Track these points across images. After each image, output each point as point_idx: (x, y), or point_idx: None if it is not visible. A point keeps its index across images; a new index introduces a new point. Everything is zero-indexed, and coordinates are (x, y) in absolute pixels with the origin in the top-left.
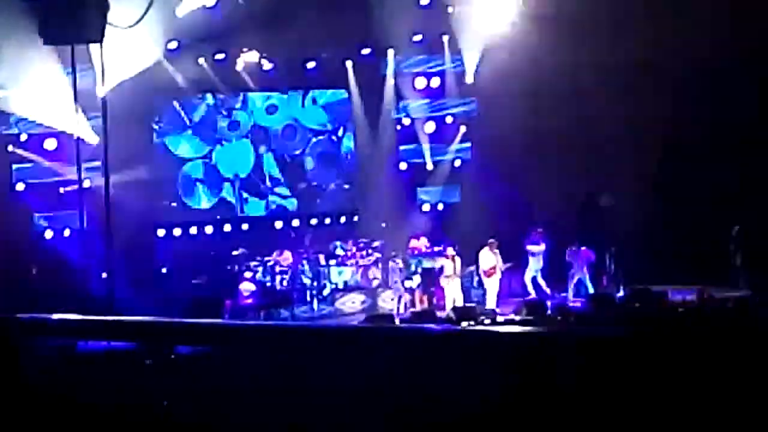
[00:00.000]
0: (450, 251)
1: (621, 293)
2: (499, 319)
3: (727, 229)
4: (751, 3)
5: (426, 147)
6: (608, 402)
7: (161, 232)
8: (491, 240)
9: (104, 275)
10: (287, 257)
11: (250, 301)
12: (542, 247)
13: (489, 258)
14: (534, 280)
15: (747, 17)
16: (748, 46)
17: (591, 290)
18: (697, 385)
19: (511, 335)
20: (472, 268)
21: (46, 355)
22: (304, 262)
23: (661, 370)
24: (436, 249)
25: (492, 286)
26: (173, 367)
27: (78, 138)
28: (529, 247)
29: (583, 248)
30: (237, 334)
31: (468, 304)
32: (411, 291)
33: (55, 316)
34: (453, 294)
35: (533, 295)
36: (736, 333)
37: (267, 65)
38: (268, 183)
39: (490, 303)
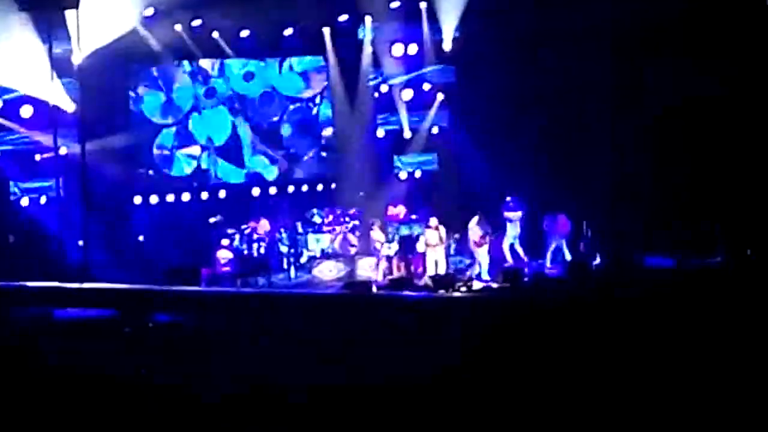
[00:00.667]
0: (433, 221)
1: (597, 260)
2: (476, 286)
3: (705, 198)
4: None
5: (403, 114)
6: (570, 367)
7: (138, 200)
8: (479, 212)
9: (81, 243)
10: (264, 225)
11: (227, 269)
12: (519, 213)
13: (477, 229)
14: (512, 247)
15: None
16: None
17: (568, 257)
18: (663, 349)
19: (474, 301)
20: (457, 236)
21: (23, 323)
22: (282, 229)
23: (623, 335)
24: (413, 217)
25: (484, 256)
26: (150, 334)
27: (54, 105)
28: (507, 214)
29: (560, 216)
30: (214, 301)
31: (446, 272)
32: (389, 258)
33: (32, 284)
34: (436, 261)
35: (510, 262)
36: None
37: (244, 32)
38: (247, 150)
39: (484, 274)
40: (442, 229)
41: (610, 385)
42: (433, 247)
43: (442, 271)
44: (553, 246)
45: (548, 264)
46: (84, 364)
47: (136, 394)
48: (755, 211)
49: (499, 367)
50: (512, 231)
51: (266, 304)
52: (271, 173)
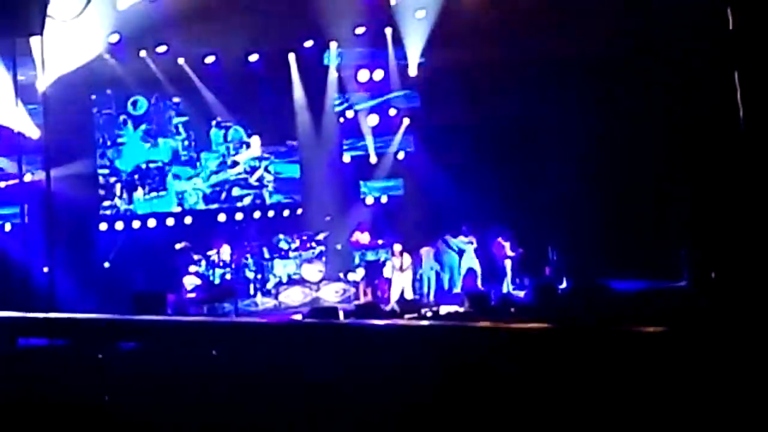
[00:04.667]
0: (397, 247)
1: (564, 284)
2: (442, 311)
3: (670, 222)
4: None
5: (369, 140)
6: (537, 397)
7: (103, 226)
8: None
9: (46, 270)
10: (226, 250)
11: (193, 295)
12: (472, 240)
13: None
14: (471, 272)
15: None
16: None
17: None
18: (627, 377)
19: (443, 329)
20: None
21: None
22: (248, 255)
23: (583, 364)
24: (379, 242)
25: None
26: (115, 363)
27: (18, 132)
28: (459, 240)
29: (507, 242)
30: (178, 330)
31: (413, 298)
32: (355, 284)
33: None
34: (400, 288)
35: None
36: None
37: (210, 58)
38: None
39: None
40: (406, 256)
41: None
42: (399, 273)
43: (408, 297)
44: (508, 270)
45: (510, 288)
46: (47, 392)
47: (100, 423)
48: (719, 235)
49: (460, 397)
50: (466, 259)
51: (230, 333)
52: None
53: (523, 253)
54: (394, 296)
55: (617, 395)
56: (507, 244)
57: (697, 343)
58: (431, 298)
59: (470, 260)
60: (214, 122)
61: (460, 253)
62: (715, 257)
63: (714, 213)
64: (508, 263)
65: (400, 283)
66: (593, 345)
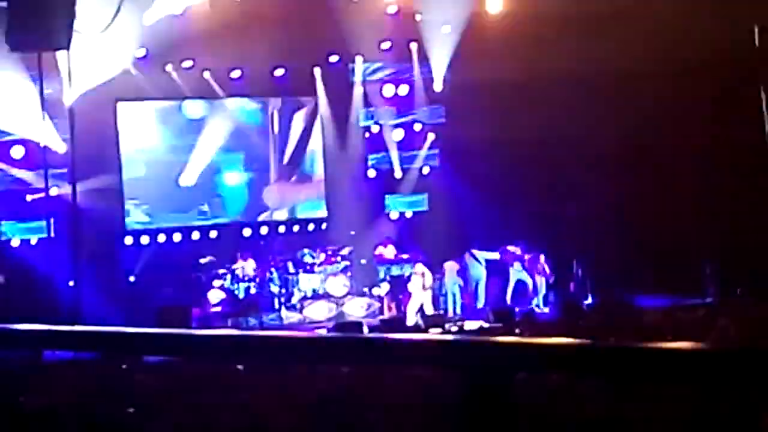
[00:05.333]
0: (419, 267)
1: (589, 300)
2: (467, 326)
3: (695, 238)
4: (728, 13)
5: (394, 154)
6: (562, 413)
7: (129, 240)
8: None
9: (71, 284)
10: (250, 264)
11: (218, 309)
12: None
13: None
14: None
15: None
16: (718, 56)
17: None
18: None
19: (468, 344)
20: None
21: (11, 365)
22: (273, 269)
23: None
24: (404, 257)
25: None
26: (140, 375)
27: (45, 146)
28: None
29: (537, 257)
30: (203, 343)
31: (436, 312)
32: (380, 299)
33: (21, 327)
34: (420, 303)
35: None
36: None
37: (235, 73)
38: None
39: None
40: (428, 275)
41: None
42: (420, 290)
43: (429, 312)
44: (540, 287)
45: (541, 305)
46: (72, 404)
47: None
48: (745, 250)
49: (485, 414)
50: (514, 273)
51: (255, 347)
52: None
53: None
54: (411, 312)
55: (642, 412)
56: (544, 263)
57: (723, 361)
58: (457, 312)
59: (519, 273)
60: None
61: (488, 266)
62: (741, 273)
63: (739, 228)
64: (542, 280)
65: (420, 299)
66: (618, 362)
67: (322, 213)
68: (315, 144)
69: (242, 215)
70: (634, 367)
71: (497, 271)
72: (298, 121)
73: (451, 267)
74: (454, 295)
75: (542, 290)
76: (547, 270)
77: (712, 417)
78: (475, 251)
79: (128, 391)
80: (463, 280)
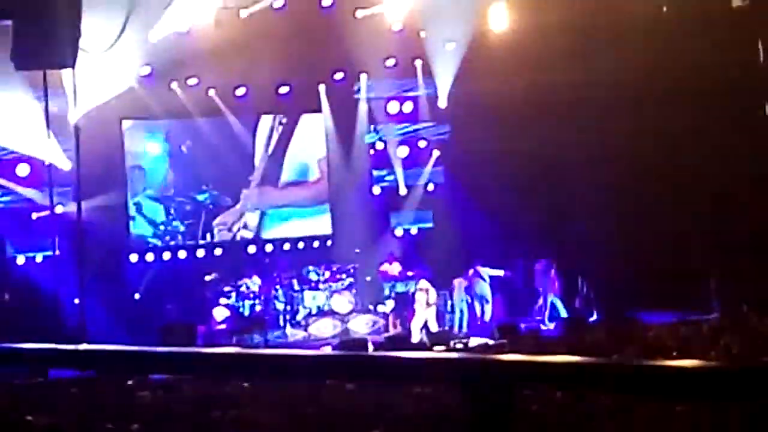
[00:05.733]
0: (423, 284)
1: (594, 317)
2: (472, 343)
3: (702, 254)
4: (733, 29)
5: (399, 171)
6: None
7: (134, 258)
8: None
9: (77, 301)
10: (255, 282)
11: (223, 326)
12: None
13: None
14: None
15: (728, 45)
16: (721, 75)
17: (564, 314)
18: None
19: (471, 361)
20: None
21: (18, 383)
22: (278, 286)
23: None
24: (409, 274)
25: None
26: (143, 393)
27: (50, 164)
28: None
29: (552, 271)
30: (208, 361)
31: (441, 329)
32: (385, 316)
33: (26, 346)
34: (424, 320)
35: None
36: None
37: (240, 90)
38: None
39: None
40: (432, 291)
41: None
42: (424, 307)
43: (433, 329)
44: (548, 302)
45: (547, 321)
46: (77, 423)
47: None
48: (750, 266)
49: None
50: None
51: (260, 365)
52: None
53: (563, 284)
54: (416, 329)
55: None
56: (552, 274)
57: (729, 378)
58: (463, 329)
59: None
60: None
61: (491, 282)
62: (746, 289)
63: (745, 244)
64: (551, 296)
65: (424, 316)
66: (622, 379)
67: (323, 221)
68: (310, 152)
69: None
70: (639, 384)
71: (502, 288)
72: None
73: (459, 283)
74: (462, 312)
75: (557, 305)
76: (556, 285)
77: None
78: (480, 268)
79: (133, 409)
80: (470, 296)
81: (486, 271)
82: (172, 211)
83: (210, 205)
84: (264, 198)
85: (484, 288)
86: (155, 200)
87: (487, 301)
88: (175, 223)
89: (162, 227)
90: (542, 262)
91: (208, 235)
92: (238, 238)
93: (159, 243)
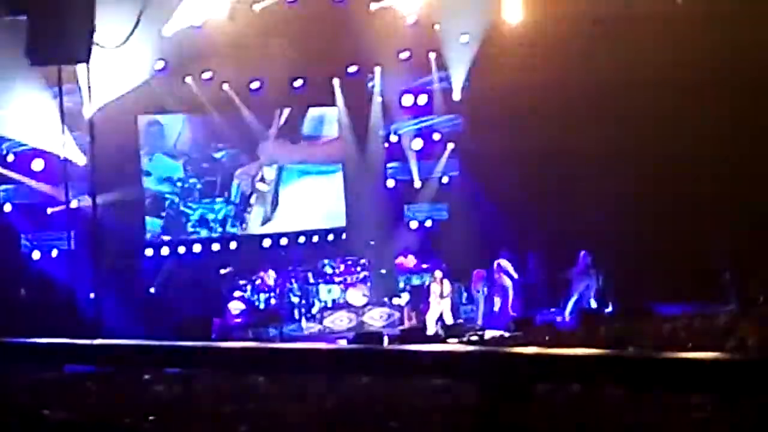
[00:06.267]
0: (438, 274)
1: (609, 308)
2: (487, 335)
3: (717, 246)
4: (747, 28)
5: (413, 164)
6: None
7: (149, 252)
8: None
9: (92, 296)
10: (271, 275)
11: (239, 320)
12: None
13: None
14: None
15: (742, 42)
16: (737, 69)
17: (594, 305)
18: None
19: (486, 354)
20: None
21: (34, 378)
22: (293, 280)
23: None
24: (424, 266)
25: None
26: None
27: (65, 159)
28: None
29: (584, 264)
30: (223, 355)
31: (456, 321)
32: (400, 308)
33: (42, 341)
34: (439, 313)
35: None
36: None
37: (254, 84)
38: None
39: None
40: (446, 283)
41: None
42: (439, 299)
43: (448, 321)
44: (575, 296)
45: (567, 314)
46: (93, 417)
47: None
48: (766, 257)
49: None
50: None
51: (275, 358)
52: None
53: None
54: (431, 322)
55: (661, 422)
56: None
57: (745, 371)
58: (479, 321)
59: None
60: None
61: (510, 277)
62: (763, 281)
63: (760, 235)
64: (582, 287)
65: (439, 308)
66: (638, 371)
67: (335, 181)
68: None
69: None
70: (655, 377)
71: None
72: None
73: (477, 275)
74: (479, 303)
75: (576, 299)
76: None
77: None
78: (502, 262)
79: (149, 402)
80: (487, 289)
81: (507, 265)
82: (188, 168)
83: (226, 162)
84: (281, 151)
85: (506, 282)
86: (171, 157)
87: (507, 295)
88: (192, 180)
89: (179, 184)
90: (580, 254)
91: (226, 192)
92: (255, 190)
93: (176, 199)
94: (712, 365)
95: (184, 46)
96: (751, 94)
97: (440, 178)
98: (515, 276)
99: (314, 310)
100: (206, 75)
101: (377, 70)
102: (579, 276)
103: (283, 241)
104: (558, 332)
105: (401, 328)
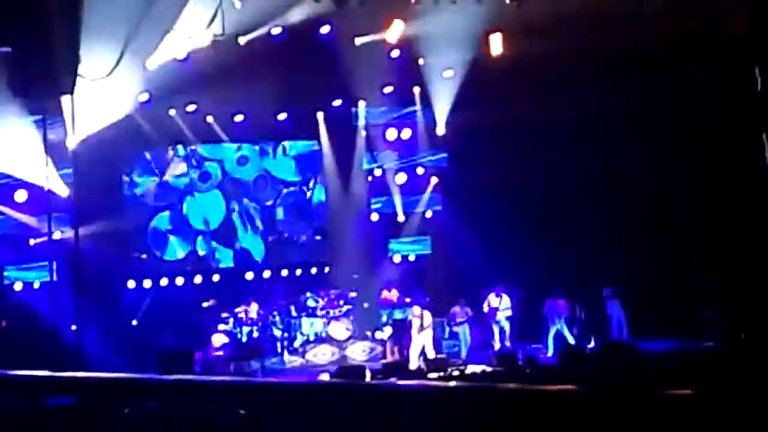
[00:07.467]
0: (416, 309)
1: (592, 344)
2: (469, 370)
3: (699, 282)
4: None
5: (397, 198)
6: None
7: (131, 284)
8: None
9: (74, 327)
10: (254, 308)
11: (221, 353)
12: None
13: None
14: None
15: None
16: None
17: (571, 341)
18: None
19: (468, 391)
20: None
21: (12, 411)
22: (275, 313)
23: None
24: (407, 300)
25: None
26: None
27: (48, 190)
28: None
29: (560, 300)
30: (204, 389)
31: (438, 356)
32: (382, 342)
33: (23, 372)
34: (420, 346)
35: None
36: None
37: (239, 117)
38: (241, 232)
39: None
40: (427, 316)
41: None
42: (419, 333)
43: (430, 355)
44: (553, 331)
45: (550, 350)
46: None
47: None
48: (748, 294)
49: None
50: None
51: (256, 393)
52: (260, 254)
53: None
54: (414, 356)
55: None
56: (560, 303)
57: (727, 407)
58: (462, 355)
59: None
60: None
61: (494, 313)
62: (745, 317)
63: (742, 272)
64: (559, 324)
65: (421, 342)
66: (619, 408)
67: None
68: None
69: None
70: (636, 414)
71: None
72: None
73: (461, 310)
74: (464, 337)
75: (554, 334)
76: (564, 312)
77: None
78: (491, 298)
79: None
80: (469, 324)
81: (497, 302)
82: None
83: None
84: None
85: (498, 316)
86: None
87: (492, 330)
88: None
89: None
90: (553, 292)
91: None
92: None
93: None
94: (693, 402)
95: (168, 79)
96: (736, 129)
97: (424, 213)
98: (509, 313)
99: (297, 344)
100: (190, 107)
101: (361, 104)
102: (555, 311)
103: (266, 274)
104: (540, 368)
105: (384, 361)
